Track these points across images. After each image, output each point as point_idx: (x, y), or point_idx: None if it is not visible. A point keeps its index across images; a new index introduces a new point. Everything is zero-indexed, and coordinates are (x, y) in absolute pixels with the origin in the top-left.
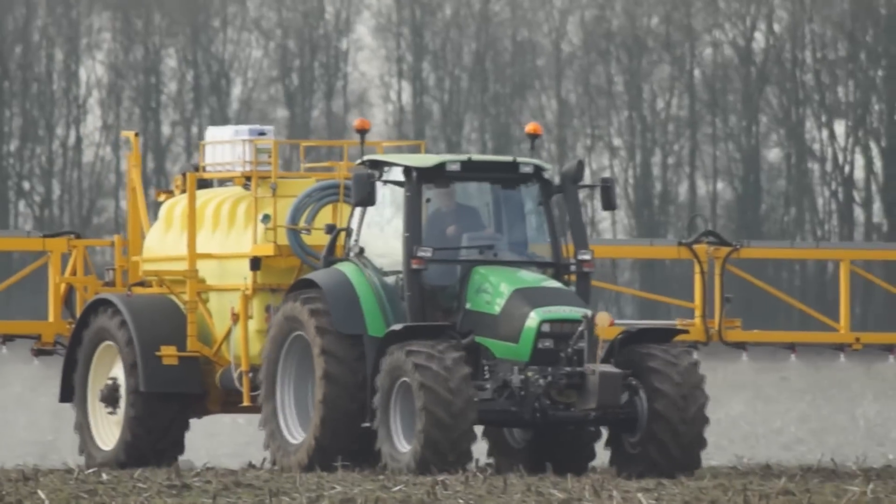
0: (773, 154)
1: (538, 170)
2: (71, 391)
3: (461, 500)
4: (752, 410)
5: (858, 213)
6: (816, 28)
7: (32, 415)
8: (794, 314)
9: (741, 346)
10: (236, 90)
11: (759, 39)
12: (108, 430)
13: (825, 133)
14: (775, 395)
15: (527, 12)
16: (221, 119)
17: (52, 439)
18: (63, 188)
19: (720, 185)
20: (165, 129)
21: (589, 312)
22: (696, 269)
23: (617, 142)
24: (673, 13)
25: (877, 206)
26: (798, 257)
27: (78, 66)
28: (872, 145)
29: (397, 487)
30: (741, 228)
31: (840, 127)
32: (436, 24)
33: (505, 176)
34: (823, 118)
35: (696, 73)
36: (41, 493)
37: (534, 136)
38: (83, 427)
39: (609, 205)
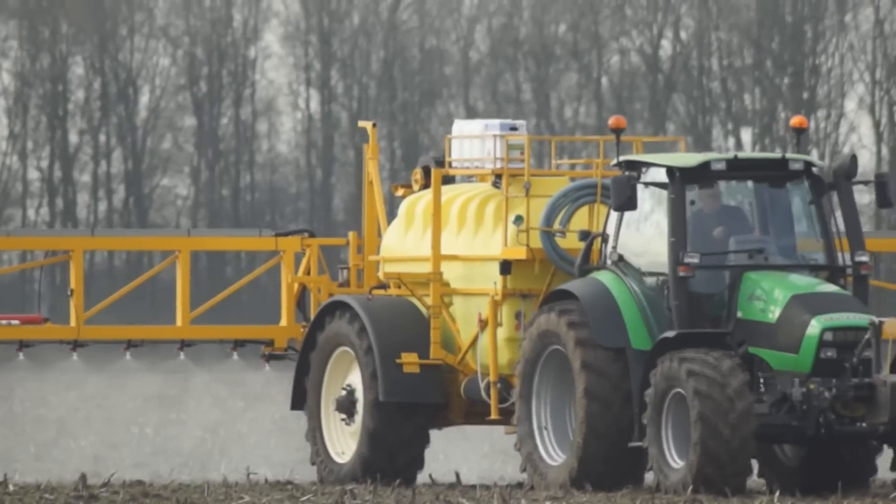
0: None
1: (808, 166)
2: (303, 398)
3: None
4: None
5: None
6: (723, 35)
7: (265, 424)
8: None
9: None
10: (144, 98)
11: (666, 47)
12: (342, 441)
13: (732, 141)
14: None
15: (434, 20)
16: (129, 127)
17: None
18: None
19: None
20: (73, 138)
21: (875, 318)
22: None
23: None
24: (580, 21)
25: None
26: None
27: None
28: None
29: (305, 497)
30: None
31: (747, 134)
32: (344, 31)
33: (773, 174)
34: (730, 126)
35: (604, 80)
36: None
37: (799, 130)
38: (316, 437)
39: (885, 202)
